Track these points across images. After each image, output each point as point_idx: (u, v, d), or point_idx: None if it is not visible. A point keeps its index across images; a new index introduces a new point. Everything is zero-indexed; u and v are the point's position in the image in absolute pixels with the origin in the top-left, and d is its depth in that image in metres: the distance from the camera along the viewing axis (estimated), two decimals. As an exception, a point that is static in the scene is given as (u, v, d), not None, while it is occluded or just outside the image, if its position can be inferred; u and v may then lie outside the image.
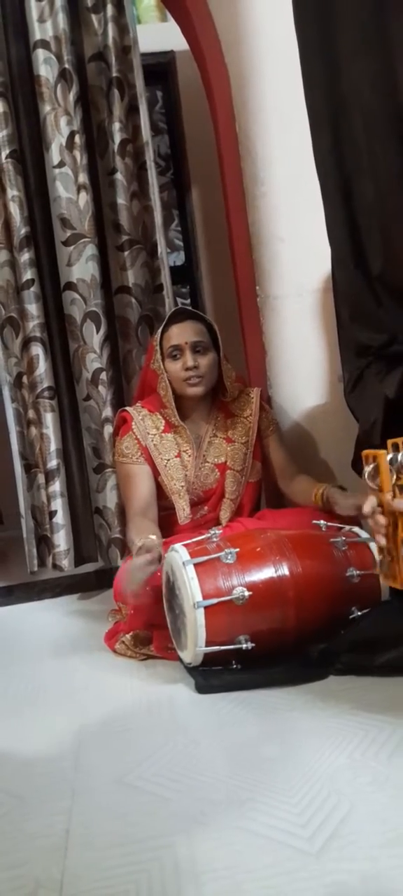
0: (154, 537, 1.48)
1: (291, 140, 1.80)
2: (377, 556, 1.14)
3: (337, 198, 1.43)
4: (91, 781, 1.06)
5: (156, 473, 1.74)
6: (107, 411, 2.07)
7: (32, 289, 2.07)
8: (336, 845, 0.82)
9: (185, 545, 1.41)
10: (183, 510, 1.74)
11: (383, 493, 1.01)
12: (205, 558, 1.35)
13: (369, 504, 1.03)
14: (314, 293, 1.87)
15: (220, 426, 1.81)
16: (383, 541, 1.04)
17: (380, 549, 1.08)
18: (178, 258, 3.14)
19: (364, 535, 1.46)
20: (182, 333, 1.75)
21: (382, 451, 1.01)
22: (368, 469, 1.03)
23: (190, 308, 1.83)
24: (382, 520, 1.02)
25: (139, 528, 1.57)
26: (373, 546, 1.42)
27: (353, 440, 1.55)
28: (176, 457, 1.75)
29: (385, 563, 1.07)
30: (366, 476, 1.03)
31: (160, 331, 1.78)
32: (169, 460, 1.74)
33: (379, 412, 1.36)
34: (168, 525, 1.74)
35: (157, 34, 2.82)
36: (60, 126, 2.01)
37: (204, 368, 1.74)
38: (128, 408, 1.81)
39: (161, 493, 1.75)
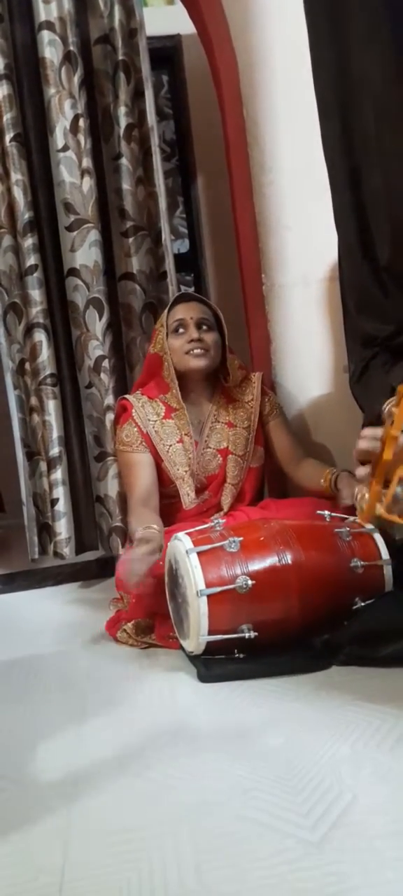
0: (155, 527, 1.48)
1: (299, 128, 1.78)
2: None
3: (345, 187, 1.42)
4: (92, 769, 1.06)
5: (158, 460, 1.73)
6: (109, 399, 2.05)
7: (36, 274, 2.05)
8: (339, 835, 0.82)
9: (188, 534, 1.40)
10: (187, 495, 1.74)
11: (393, 427, 0.97)
12: (209, 547, 1.35)
13: (370, 430, 1.00)
14: (320, 282, 1.86)
15: (222, 411, 1.81)
16: (362, 471, 1.02)
17: (361, 480, 1.05)
18: (183, 245, 3.12)
19: (368, 525, 1.45)
20: (187, 310, 1.77)
21: None
22: (390, 402, 1.00)
23: (196, 294, 1.84)
24: (363, 444, 0.99)
25: (140, 517, 1.56)
26: (378, 537, 1.41)
27: (358, 431, 1.54)
28: (178, 442, 1.74)
29: (363, 498, 1.04)
30: (386, 407, 1.00)
31: (166, 311, 1.80)
32: (171, 446, 1.74)
33: (385, 403, 1.35)
34: (171, 513, 1.74)
35: (164, 17, 2.79)
36: (64, 109, 1.99)
37: (209, 343, 1.74)
38: (127, 395, 1.81)
39: (164, 480, 1.74)
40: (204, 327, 1.76)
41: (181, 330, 1.75)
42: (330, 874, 0.76)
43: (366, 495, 1.01)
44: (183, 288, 3.06)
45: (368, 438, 0.98)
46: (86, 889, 0.80)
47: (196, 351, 1.73)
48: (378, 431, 0.99)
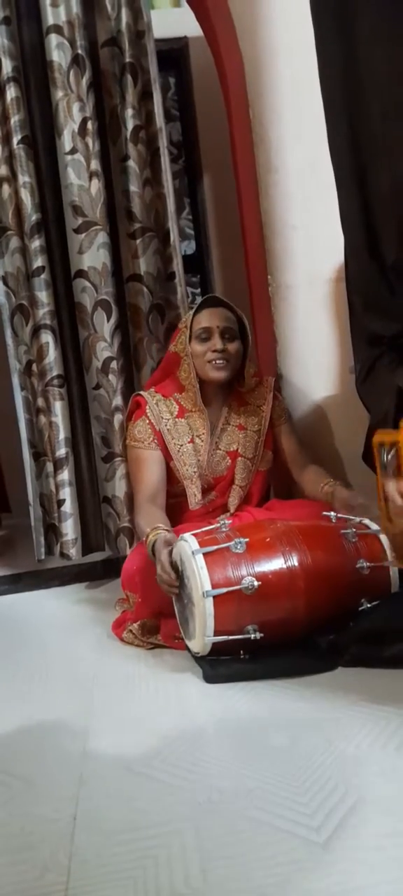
0: (162, 526, 1.49)
1: (305, 127, 1.78)
2: (386, 544, 1.10)
3: (352, 186, 1.42)
4: (98, 768, 1.06)
5: (168, 458, 1.74)
6: (118, 400, 2.06)
7: (43, 276, 2.06)
8: (344, 835, 0.82)
9: (195, 535, 1.41)
10: (194, 496, 1.75)
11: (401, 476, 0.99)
12: (215, 548, 1.35)
13: (391, 486, 1.01)
14: (326, 282, 1.86)
15: (234, 413, 1.82)
16: (391, 486, 1.03)
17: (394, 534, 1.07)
18: (189, 247, 3.13)
19: (374, 526, 1.45)
20: (213, 317, 1.76)
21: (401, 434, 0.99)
22: (384, 451, 1.01)
23: (223, 298, 1.84)
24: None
25: (148, 515, 1.57)
26: (384, 538, 1.41)
27: (364, 431, 1.54)
28: (189, 442, 1.75)
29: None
30: (383, 459, 1.02)
31: (192, 313, 1.80)
32: (182, 445, 1.75)
33: (391, 403, 1.36)
34: (177, 512, 1.74)
35: (171, 19, 2.80)
36: (73, 112, 2.00)
37: (231, 354, 1.75)
38: (142, 392, 1.82)
39: (172, 479, 1.75)
40: (228, 336, 1.75)
41: (204, 336, 1.75)
42: (336, 874, 0.76)
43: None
44: (190, 290, 3.07)
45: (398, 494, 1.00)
46: (92, 887, 0.80)
47: (218, 362, 1.74)
48: (393, 484, 1.00)
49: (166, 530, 1.49)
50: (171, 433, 1.75)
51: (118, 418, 2.05)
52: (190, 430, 1.76)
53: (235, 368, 1.79)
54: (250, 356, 1.82)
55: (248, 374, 1.82)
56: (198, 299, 3.11)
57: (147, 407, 1.76)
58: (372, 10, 1.26)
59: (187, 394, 1.78)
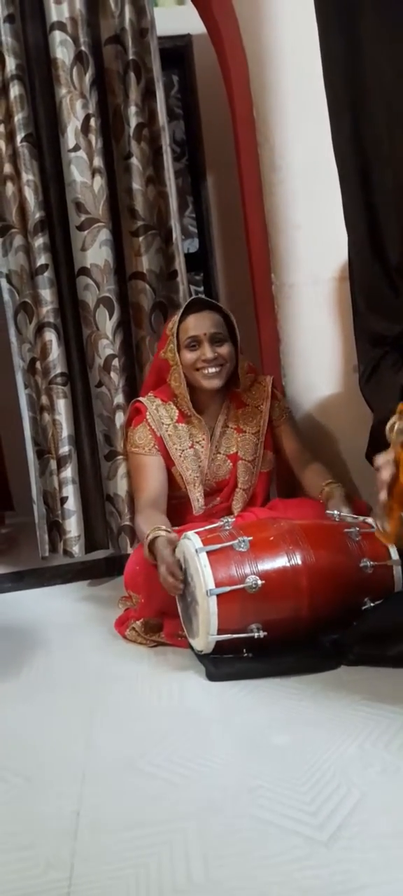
0: (163, 528, 1.49)
1: (309, 126, 1.78)
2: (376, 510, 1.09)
3: (356, 185, 1.42)
4: (101, 765, 1.07)
5: (169, 464, 1.73)
6: (119, 398, 2.06)
7: (46, 274, 2.06)
8: (346, 834, 0.82)
9: (198, 533, 1.41)
10: (197, 501, 1.74)
11: None
12: (218, 546, 1.35)
13: (383, 456, 1.01)
14: (330, 282, 1.85)
15: (232, 416, 1.80)
16: (383, 495, 1.03)
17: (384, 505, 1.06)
18: (192, 245, 3.12)
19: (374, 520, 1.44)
20: (200, 324, 1.72)
21: None
22: (392, 421, 1.01)
23: (207, 298, 1.80)
24: (385, 474, 1.00)
25: (149, 519, 1.56)
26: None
27: (367, 431, 1.54)
28: (190, 447, 1.74)
29: (385, 520, 1.05)
30: (391, 428, 1.01)
31: (176, 320, 1.76)
32: (183, 451, 1.74)
33: (395, 403, 1.35)
34: (180, 514, 1.74)
35: (174, 17, 2.80)
36: (76, 109, 2.00)
37: (224, 359, 1.72)
38: (141, 398, 1.81)
39: (173, 484, 1.74)
40: (218, 340, 1.71)
41: (193, 345, 1.72)
42: (338, 873, 0.76)
43: (386, 523, 1.02)
44: (192, 288, 3.07)
45: (385, 466, 0.99)
46: (95, 884, 0.80)
47: (210, 370, 1.70)
48: (390, 455, 1.00)
49: (166, 531, 1.49)
50: (172, 438, 1.73)
51: (119, 416, 2.04)
52: (190, 436, 1.75)
53: (229, 371, 1.75)
54: (242, 351, 1.79)
55: (242, 370, 1.79)
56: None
57: (147, 413, 1.74)
58: (375, 10, 1.25)
59: (184, 400, 1.76)
